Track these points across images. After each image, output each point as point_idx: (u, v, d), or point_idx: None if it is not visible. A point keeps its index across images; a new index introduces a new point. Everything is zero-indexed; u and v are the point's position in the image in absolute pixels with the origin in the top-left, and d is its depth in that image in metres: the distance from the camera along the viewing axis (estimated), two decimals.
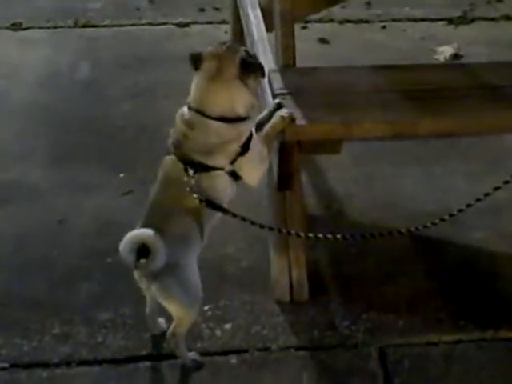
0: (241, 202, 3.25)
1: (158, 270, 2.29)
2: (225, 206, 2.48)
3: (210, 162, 2.40)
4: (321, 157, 3.66)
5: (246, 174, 2.49)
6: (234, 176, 2.46)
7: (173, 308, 2.46)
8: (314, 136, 2.73)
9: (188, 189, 2.36)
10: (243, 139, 2.42)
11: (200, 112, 2.37)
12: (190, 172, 2.37)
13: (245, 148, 2.42)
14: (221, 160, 2.41)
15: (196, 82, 2.40)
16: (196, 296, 2.45)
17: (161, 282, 2.35)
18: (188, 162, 2.38)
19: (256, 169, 2.53)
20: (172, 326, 2.52)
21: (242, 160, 2.43)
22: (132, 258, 2.26)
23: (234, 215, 2.47)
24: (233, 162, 2.43)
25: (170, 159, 2.44)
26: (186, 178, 2.37)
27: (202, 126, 2.37)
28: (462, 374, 2.59)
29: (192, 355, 2.60)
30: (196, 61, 2.39)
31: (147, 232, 2.28)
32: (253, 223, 2.52)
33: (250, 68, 2.41)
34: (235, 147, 2.41)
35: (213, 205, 2.40)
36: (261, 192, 3.12)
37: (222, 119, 2.37)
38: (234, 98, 2.38)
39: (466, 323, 2.81)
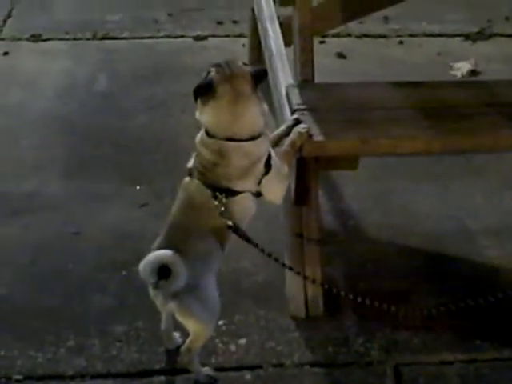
0: (257, 216, 3.28)
1: (178, 289, 2.30)
2: (247, 222, 2.50)
3: (240, 187, 2.40)
4: (337, 172, 3.66)
5: (270, 193, 2.50)
6: (258, 194, 2.47)
7: (191, 325, 2.46)
8: (331, 152, 2.73)
9: (219, 214, 2.36)
10: (266, 156, 2.42)
11: (230, 139, 2.34)
12: (221, 198, 2.37)
13: (267, 166, 2.43)
14: (250, 182, 2.42)
15: (215, 109, 2.34)
16: (214, 313, 2.46)
17: (180, 300, 2.35)
18: (217, 189, 2.38)
19: (279, 186, 2.54)
20: (188, 341, 2.52)
21: (266, 179, 2.43)
22: (153, 279, 2.26)
23: (262, 250, 2.50)
24: (259, 182, 2.43)
25: (194, 183, 2.43)
26: (215, 203, 2.37)
27: (235, 151, 2.35)
28: None
29: (206, 370, 2.60)
30: (207, 90, 2.33)
31: (168, 253, 2.28)
32: (276, 260, 2.56)
33: (262, 79, 2.40)
34: (261, 167, 2.41)
35: (242, 235, 2.42)
36: (277, 206, 3.13)
37: (252, 138, 2.36)
38: (257, 114, 2.37)
39: (481, 342, 2.80)
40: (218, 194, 2.37)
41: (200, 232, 2.40)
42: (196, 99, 2.37)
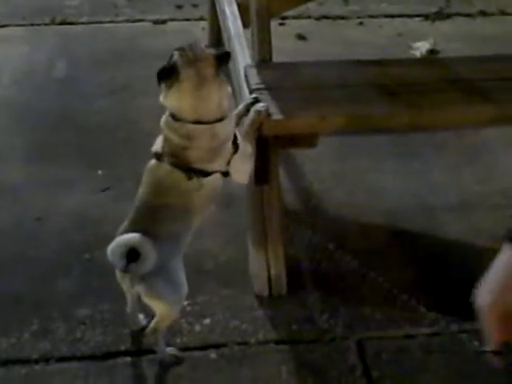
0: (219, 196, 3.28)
1: (146, 271, 2.30)
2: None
3: (211, 168, 2.40)
4: (298, 152, 3.68)
5: (238, 172, 2.50)
6: (225, 174, 2.47)
7: (158, 307, 2.47)
8: (290, 130, 2.74)
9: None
10: (233, 136, 2.43)
11: (198, 122, 2.34)
12: (197, 179, 2.38)
13: (235, 146, 2.44)
14: (221, 163, 2.42)
15: (180, 93, 2.32)
16: (181, 295, 2.46)
17: (148, 283, 2.34)
18: (191, 170, 2.38)
19: (245, 165, 2.56)
20: (153, 322, 2.52)
21: (234, 159, 2.44)
22: (122, 262, 2.25)
23: None
24: (228, 162, 2.44)
25: (163, 167, 2.41)
26: (191, 184, 2.38)
27: (203, 133, 2.35)
28: (441, 366, 2.61)
29: (171, 350, 2.61)
30: (170, 74, 2.31)
31: (136, 236, 2.27)
32: None
33: (225, 61, 2.39)
34: (230, 147, 2.42)
35: None
36: (238, 186, 3.14)
37: (219, 120, 2.36)
38: (221, 96, 2.36)
39: (444, 316, 2.83)
40: (193, 174, 2.37)
41: (168, 215, 2.39)
42: (160, 83, 2.36)
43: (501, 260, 1.53)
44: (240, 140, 2.48)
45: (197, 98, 2.32)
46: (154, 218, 2.39)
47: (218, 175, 2.44)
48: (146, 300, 2.44)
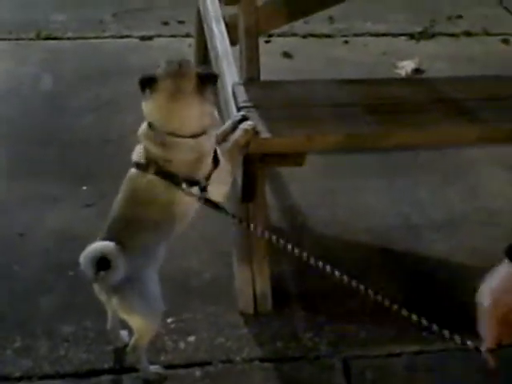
0: (202, 212, 3.27)
1: (119, 283, 2.28)
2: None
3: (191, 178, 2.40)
4: (284, 170, 3.68)
5: (214, 189, 2.48)
6: (202, 189, 2.43)
7: (133, 321, 2.45)
8: (277, 148, 2.75)
9: (198, 200, 2.38)
10: (212, 152, 2.43)
11: (172, 134, 2.34)
12: (183, 186, 2.36)
13: (215, 162, 2.43)
14: (199, 177, 2.41)
15: (155, 103, 2.33)
16: (157, 309, 2.44)
17: (121, 295, 2.33)
18: (176, 178, 2.37)
19: (222, 184, 2.54)
20: (133, 339, 2.51)
21: (213, 175, 2.44)
22: (91, 270, 2.24)
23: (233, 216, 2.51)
24: (208, 177, 2.43)
25: (145, 177, 2.39)
26: (170, 197, 2.37)
27: (178, 146, 2.35)
28: None
29: (155, 368, 2.60)
30: (150, 83, 2.32)
31: (107, 244, 2.27)
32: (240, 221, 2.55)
33: (207, 80, 2.39)
34: (209, 162, 2.41)
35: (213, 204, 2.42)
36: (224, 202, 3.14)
37: (195, 136, 2.36)
38: (196, 113, 2.36)
39: (428, 335, 2.82)
40: (183, 182, 2.35)
41: (144, 226, 2.38)
42: (142, 90, 2.36)
43: (502, 268, 1.67)
44: (221, 157, 2.48)
45: (170, 111, 2.33)
46: (128, 229, 2.37)
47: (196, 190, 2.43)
48: (121, 313, 2.43)
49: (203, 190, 2.43)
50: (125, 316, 2.43)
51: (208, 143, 2.41)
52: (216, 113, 2.46)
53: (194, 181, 2.38)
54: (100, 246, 2.28)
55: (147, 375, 2.57)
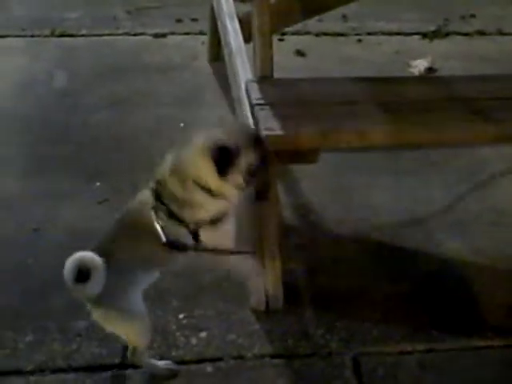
0: None
1: (99, 297, 2.31)
2: None
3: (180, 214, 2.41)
4: (296, 168, 3.69)
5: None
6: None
7: (117, 331, 2.49)
8: (290, 146, 2.75)
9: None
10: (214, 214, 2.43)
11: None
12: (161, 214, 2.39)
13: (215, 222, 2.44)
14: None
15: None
16: (140, 327, 2.46)
17: (101, 310, 2.38)
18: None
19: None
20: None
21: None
22: (70, 279, 2.26)
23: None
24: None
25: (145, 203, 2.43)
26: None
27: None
28: (434, 382, 2.62)
29: (167, 364, 2.61)
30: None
31: (90, 255, 2.28)
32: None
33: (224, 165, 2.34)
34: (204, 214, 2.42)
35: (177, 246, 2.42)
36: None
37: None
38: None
39: (439, 333, 2.84)
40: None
41: (133, 250, 2.41)
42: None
43: None
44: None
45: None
46: (119, 245, 2.40)
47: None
48: (103, 325, 2.45)
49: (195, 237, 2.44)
50: (107, 327, 2.46)
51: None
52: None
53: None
54: (82, 255, 2.28)
55: (154, 371, 2.58)
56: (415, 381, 2.61)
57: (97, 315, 2.40)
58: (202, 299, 2.93)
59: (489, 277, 3.14)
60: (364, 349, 2.74)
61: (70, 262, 2.27)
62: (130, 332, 2.47)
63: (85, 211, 3.45)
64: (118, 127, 4.11)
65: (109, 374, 2.63)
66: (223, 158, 2.30)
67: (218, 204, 2.42)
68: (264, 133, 2.67)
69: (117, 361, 2.67)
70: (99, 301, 2.33)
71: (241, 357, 2.69)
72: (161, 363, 2.61)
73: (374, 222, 3.45)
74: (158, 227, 2.38)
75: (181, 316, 2.85)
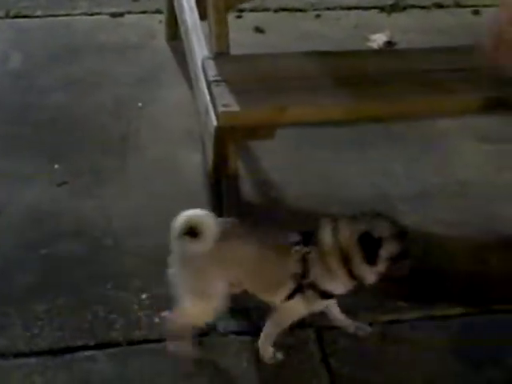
0: (175, 188, 3.27)
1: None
2: None
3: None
4: (256, 145, 3.67)
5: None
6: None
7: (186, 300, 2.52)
8: (247, 121, 2.74)
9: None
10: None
11: None
12: None
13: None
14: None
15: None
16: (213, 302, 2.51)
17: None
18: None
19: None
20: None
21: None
22: (179, 232, 2.32)
23: None
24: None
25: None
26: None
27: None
28: (396, 353, 2.64)
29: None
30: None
31: (204, 213, 2.33)
32: None
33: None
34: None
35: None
36: (197, 180, 3.15)
37: None
38: None
39: (403, 304, 2.86)
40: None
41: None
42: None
43: None
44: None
45: None
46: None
47: None
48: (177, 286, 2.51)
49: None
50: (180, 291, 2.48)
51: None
52: None
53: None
54: (203, 213, 2.33)
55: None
56: (377, 351, 2.63)
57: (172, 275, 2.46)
58: (164, 278, 2.91)
59: (451, 247, 3.17)
60: (327, 322, 2.75)
61: (184, 217, 2.31)
62: (203, 302, 2.48)
63: (44, 194, 3.41)
64: (75, 108, 4.05)
65: (71, 356, 2.61)
66: (372, 248, 2.37)
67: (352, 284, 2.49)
68: (220, 109, 2.66)
69: (80, 343, 2.65)
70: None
71: (205, 334, 2.69)
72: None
73: (335, 196, 3.45)
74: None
75: (143, 296, 2.84)
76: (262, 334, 2.60)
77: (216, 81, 2.86)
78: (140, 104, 4.06)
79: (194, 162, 3.52)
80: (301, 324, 2.68)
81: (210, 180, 2.94)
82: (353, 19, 5.24)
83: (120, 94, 4.12)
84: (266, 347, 2.60)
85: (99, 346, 2.63)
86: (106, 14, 5.15)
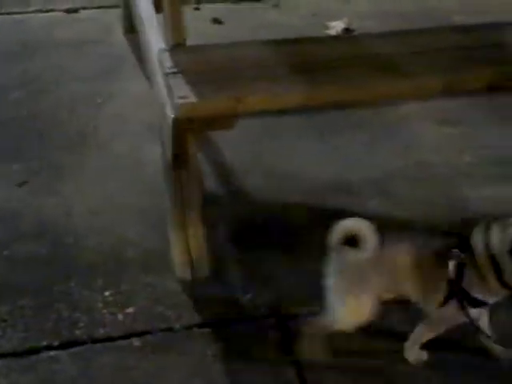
0: (136, 183, 3.25)
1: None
2: None
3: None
4: (217, 136, 3.66)
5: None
6: None
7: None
8: (204, 112, 2.71)
9: None
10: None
11: None
12: None
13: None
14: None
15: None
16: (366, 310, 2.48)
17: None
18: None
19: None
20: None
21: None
22: (337, 239, 2.32)
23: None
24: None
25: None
26: None
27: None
28: (364, 336, 2.63)
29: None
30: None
31: (364, 223, 2.33)
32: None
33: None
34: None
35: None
36: (159, 174, 3.12)
37: None
38: None
39: None
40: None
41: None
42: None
43: None
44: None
45: None
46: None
47: None
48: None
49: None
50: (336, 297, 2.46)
51: None
52: None
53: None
54: (361, 222, 2.34)
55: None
56: (345, 337, 2.62)
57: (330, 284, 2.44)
58: (127, 274, 2.89)
59: (418, 230, 3.16)
60: (291, 310, 2.74)
61: (342, 226, 2.32)
62: (355, 310, 2.47)
63: (4, 194, 3.36)
64: (32, 106, 4.00)
65: (36, 357, 2.57)
66: None
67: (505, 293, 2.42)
68: (178, 101, 2.63)
69: (45, 343, 2.62)
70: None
71: (169, 329, 2.67)
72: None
73: (298, 184, 3.44)
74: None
75: (106, 293, 2.81)
76: (410, 337, 2.57)
77: (172, 73, 2.82)
78: (99, 100, 4.02)
79: (157, 156, 3.49)
80: (266, 314, 2.68)
81: (170, 172, 2.91)
82: (312, 7, 5.25)
83: (78, 90, 4.08)
84: (413, 349, 2.58)
85: (63, 346, 2.59)
86: (61, 10, 5.11)
